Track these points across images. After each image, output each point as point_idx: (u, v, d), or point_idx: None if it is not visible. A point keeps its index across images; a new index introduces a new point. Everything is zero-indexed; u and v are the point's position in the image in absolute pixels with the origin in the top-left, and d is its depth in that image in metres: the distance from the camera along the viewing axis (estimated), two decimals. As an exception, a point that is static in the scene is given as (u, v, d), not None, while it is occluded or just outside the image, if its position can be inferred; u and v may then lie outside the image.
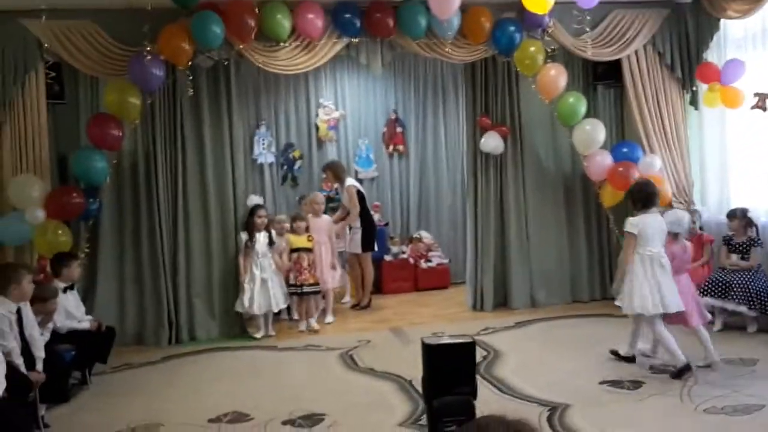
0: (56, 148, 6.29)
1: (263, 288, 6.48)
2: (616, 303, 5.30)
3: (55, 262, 5.34)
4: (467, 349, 1.42)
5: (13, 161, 5.89)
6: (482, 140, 7.08)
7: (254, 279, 6.46)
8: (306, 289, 6.74)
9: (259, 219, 6.58)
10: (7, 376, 3.73)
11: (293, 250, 6.78)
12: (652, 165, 6.73)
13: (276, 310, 6.68)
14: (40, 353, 4.27)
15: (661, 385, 4.61)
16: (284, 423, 4.24)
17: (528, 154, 7.28)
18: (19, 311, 4.17)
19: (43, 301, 4.66)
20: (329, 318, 7.12)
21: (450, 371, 1.38)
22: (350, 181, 7.69)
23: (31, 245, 5.77)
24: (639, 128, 7.05)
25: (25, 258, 5.74)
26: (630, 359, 5.10)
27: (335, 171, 7.69)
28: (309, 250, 6.82)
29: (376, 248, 7.82)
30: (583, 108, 6.77)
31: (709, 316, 5.17)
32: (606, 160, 6.79)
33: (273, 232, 6.78)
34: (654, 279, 4.73)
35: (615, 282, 5.39)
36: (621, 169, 6.69)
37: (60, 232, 5.72)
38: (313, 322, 6.82)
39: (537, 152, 7.33)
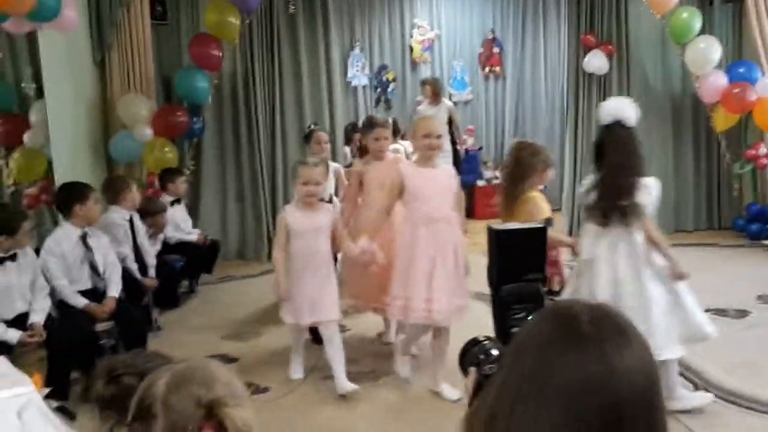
0: (160, 68, 6.49)
1: None
2: None
3: (162, 177, 5.61)
4: (537, 236, 1.35)
5: (121, 81, 6.13)
6: (585, 59, 6.75)
7: None
8: None
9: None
10: (124, 281, 4.00)
11: None
12: (772, 86, 6.24)
13: None
14: (151, 260, 4.56)
15: (769, 315, 4.41)
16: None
17: (635, 74, 6.88)
18: (131, 220, 4.42)
19: (153, 215, 4.93)
20: None
21: (519, 258, 1.31)
22: (448, 102, 7.51)
23: (140, 162, 6.06)
24: (758, 47, 6.50)
25: (135, 174, 6.03)
26: None
27: (435, 87, 7.39)
28: None
29: None
30: (697, 24, 6.30)
31: None
32: (720, 80, 6.35)
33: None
34: None
35: None
36: (737, 90, 6.25)
37: (167, 149, 5.96)
38: None
39: (644, 72, 6.93)
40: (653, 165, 6.95)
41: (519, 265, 1.31)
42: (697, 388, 3.51)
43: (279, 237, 3.68)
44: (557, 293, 3.58)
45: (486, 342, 1.23)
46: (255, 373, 3.86)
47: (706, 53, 6.33)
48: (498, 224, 1.36)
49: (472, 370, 1.18)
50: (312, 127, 5.24)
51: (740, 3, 6.72)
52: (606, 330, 0.87)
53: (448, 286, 3.40)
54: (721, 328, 4.17)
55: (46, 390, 2.31)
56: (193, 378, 1.10)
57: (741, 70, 6.43)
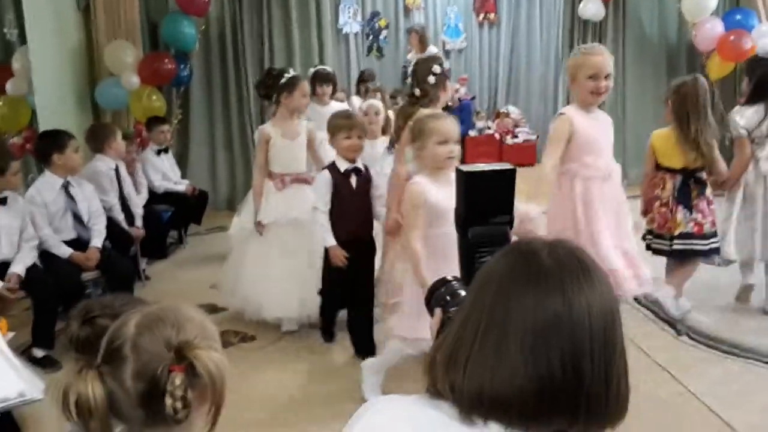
0: (146, 14, 6.34)
1: None
2: None
3: (146, 125, 5.55)
4: (507, 177, 1.30)
5: (106, 27, 5.99)
6: (581, 5, 6.62)
7: None
8: None
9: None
10: (110, 230, 3.99)
11: None
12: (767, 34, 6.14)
13: None
14: (138, 210, 4.54)
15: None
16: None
17: (630, 21, 6.78)
18: (117, 170, 4.38)
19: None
20: None
21: (487, 200, 1.27)
22: (433, 49, 7.31)
23: (127, 110, 5.98)
24: (757, -7, 6.39)
25: (123, 122, 5.96)
26: None
27: (422, 36, 7.13)
28: None
29: None
30: (695, -31, 6.17)
31: None
32: (716, 28, 6.24)
33: None
34: None
35: None
36: (732, 38, 6.15)
37: (154, 97, 5.87)
38: None
39: (640, 19, 6.82)
40: (647, 111, 6.93)
41: (487, 207, 1.27)
42: (679, 334, 3.58)
43: (415, 220, 2.62)
44: (713, 236, 3.63)
45: (454, 283, 1.19)
46: (243, 322, 3.88)
47: (703, 0, 6.20)
48: (466, 166, 1.31)
49: (438, 311, 1.15)
50: (291, 72, 3.92)
51: (740, -53, 6.57)
52: (566, 266, 0.87)
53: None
54: (709, 274, 4.25)
55: (11, 334, 2.31)
56: (163, 319, 1.09)
57: (738, 17, 6.31)
